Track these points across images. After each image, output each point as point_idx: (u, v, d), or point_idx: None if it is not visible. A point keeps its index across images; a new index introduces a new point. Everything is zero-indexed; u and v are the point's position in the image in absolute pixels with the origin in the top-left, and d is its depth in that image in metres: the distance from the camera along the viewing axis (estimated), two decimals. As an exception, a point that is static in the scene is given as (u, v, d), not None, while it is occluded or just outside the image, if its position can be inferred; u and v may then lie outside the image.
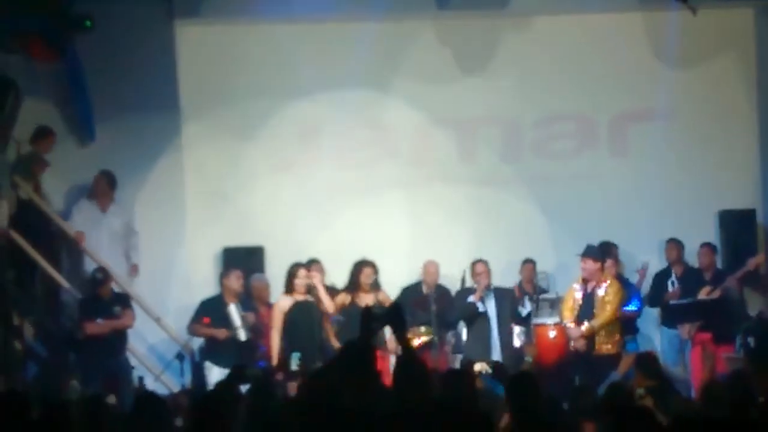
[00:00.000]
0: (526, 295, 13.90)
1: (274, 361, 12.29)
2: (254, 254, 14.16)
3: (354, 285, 12.93)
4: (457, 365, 12.85)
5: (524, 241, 14.55)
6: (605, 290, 12.69)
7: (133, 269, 14.00)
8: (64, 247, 13.91)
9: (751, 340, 13.03)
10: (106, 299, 13.03)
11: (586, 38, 14.94)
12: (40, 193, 13.62)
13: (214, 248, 14.36)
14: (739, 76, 15.12)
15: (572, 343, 12.66)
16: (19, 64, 13.22)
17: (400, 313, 6.89)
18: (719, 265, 14.29)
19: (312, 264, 13.34)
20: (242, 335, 12.79)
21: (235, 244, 14.22)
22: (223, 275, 13.19)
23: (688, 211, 14.73)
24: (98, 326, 12.83)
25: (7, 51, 12.83)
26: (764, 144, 15.00)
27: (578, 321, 12.64)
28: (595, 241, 13.26)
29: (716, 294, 13.69)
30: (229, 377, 9.08)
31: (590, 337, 12.56)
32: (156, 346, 13.93)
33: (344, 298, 12.88)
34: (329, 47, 14.61)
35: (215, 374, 12.34)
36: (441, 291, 13.73)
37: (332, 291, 12.98)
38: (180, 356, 12.86)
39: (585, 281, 12.79)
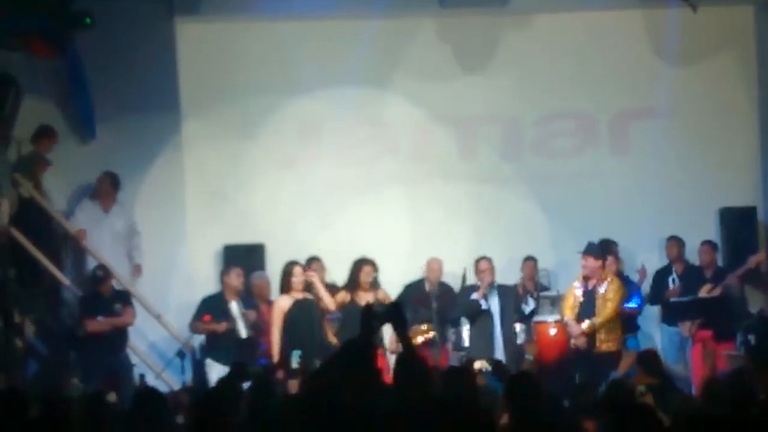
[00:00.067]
0: (528, 292, 13.91)
1: (275, 359, 12.29)
2: (255, 252, 14.15)
3: (353, 283, 12.92)
4: (457, 363, 12.84)
5: (525, 239, 14.55)
6: (606, 288, 12.69)
7: (136, 270, 13.99)
8: (66, 246, 13.92)
9: (751, 338, 13.03)
10: (107, 297, 13.04)
11: (586, 36, 14.94)
12: (41, 191, 13.62)
13: (215, 246, 14.35)
14: (740, 73, 15.12)
15: (573, 341, 12.66)
16: (19, 62, 13.21)
17: (400, 310, 6.89)
18: (720, 262, 14.30)
19: (312, 261, 13.35)
20: (243, 332, 12.79)
21: (236, 241, 14.22)
22: (224, 273, 13.19)
23: (688, 208, 14.73)
24: (99, 324, 12.84)
25: (8, 49, 12.82)
26: (765, 141, 15.01)
27: (579, 319, 12.64)
28: (596, 239, 13.26)
29: (717, 292, 13.69)
30: (230, 375, 9.12)
31: (591, 334, 12.55)
32: (157, 343, 13.94)
33: (344, 297, 12.87)
34: (330, 44, 14.61)
35: (216, 372, 12.33)
36: (444, 288, 13.73)
37: (332, 289, 12.97)
38: (181, 354, 12.87)
39: (586, 279, 12.78)
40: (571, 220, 14.60)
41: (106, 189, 13.98)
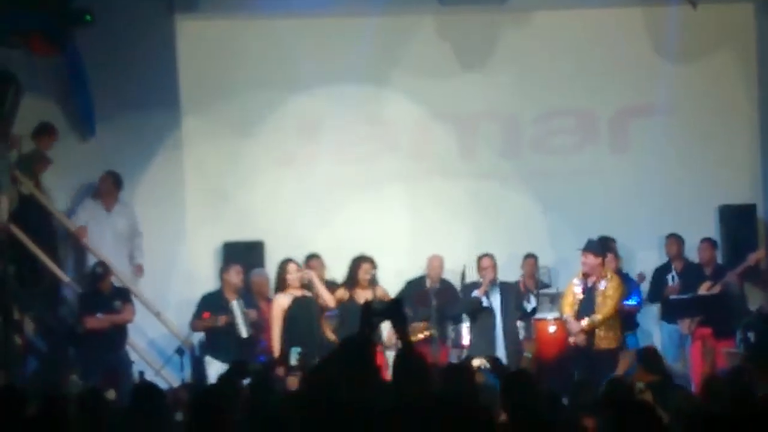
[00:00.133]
0: (529, 290, 13.90)
1: (275, 356, 12.28)
2: (254, 249, 14.16)
3: (352, 280, 12.90)
4: (456, 360, 12.83)
5: (524, 236, 14.55)
6: (606, 285, 12.68)
7: (138, 270, 14.00)
8: (67, 243, 13.92)
9: (751, 335, 13.03)
10: (106, 294, 13.04)
11: (585, 33, 14.94)
12: (40, 188, 13.62)
13: (215, 243, 14.36)
14: (740, 71, 15.11)
15: (572, 338, 12.66)
16: (19, 60, 13.20)
17: (400, 308, 6.88)
18: (719, 260, 14.30)
19: (312, 259, 13.35)
20: (244, 332, 12.78)
21: (236, 239, 14.22)
22: (223, 270, 13.19)
23: (688, 206, 14.73)
24: (98, 321, 12.84)
25: (8, 46, 12.81)
26: (764, 139, 15.00)
27: (579, 316, 12.63)
28: (596, 237, 13.25)
29: (716, 289, 13.69)
30: (229, 372, 9.10)
31: (590, 331, 12.55)
32: (156, 340, 13.94)
33: (342, 294, 12.87)
34: (329, 42, 14.61)
35: (215, 369, 12.33)
36: (444, 285, 13.74)
37: (331, 286, 12.97)
38: (180, 351, 12.88)
39: (585, 276, 12.77)
40: (570, 218, 14.60)
41: (108, 188, 13.98)
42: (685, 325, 13.78)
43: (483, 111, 14.99)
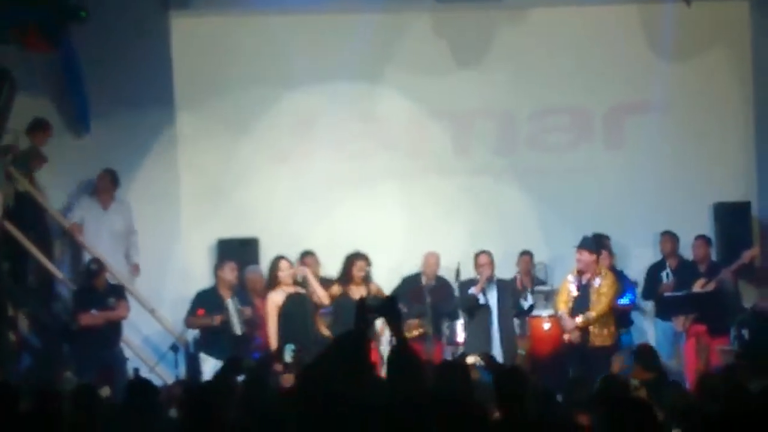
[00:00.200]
0: (525, 287, 13.90)
1: (270, 352, 12.27)
2: (249, 246, 14.14)
3: (346, 277, 12.89)
4: (450, 357, 12.84)
5: (519, 234, 14.55)
6: (600, 282, 12.69)
7: (135, 268, 13.99)
8: (63, 240, 13.90)
9: (745, 333, 13.02)
10: (101, 290, 13.02)
11: (581, 31, 14.94)
12: (35, 184, 13.60)
13: (210, 240, 14.35)
14: (734, 68, 15.12)
15: (566, 335, 12.66)
16: (14, 56, 13.17)
17: (395, 304, 6.88)
18: (714, 257, 14.29)
19: (306, 256, 13.35)
20: (238, 329, 12.77)
21: (230, 236, 14.21)
22: (218, 267, 13.17)
23: (682, 203, 14.73)
24: (93, 317, 12.83)
25: (3, 42, 12.79)
26: (759, 136, 15.01)
27: (573, 313, 12.63)
28: (590, 234, 13.25)
29: (711, 286, 13.69)
30: (224, 369, 9.09)
31: (584, 329, 12.55)
32: (151, 337, 13.93)
33: (336, 291, 12.86)
34: (323, 38, 14.60)
35: (209, 365, 12.33)
36: (440, 282, 13.73)
37: (326, 283, 12.97)
38: (174, 347, 12.87)
39: (580, 273, 12.78)
40: (565, 215, 14.60)
41: (105, 186, 13.97)
42: (679, 323, 13.77)
43: (478, 108, 14.98)
